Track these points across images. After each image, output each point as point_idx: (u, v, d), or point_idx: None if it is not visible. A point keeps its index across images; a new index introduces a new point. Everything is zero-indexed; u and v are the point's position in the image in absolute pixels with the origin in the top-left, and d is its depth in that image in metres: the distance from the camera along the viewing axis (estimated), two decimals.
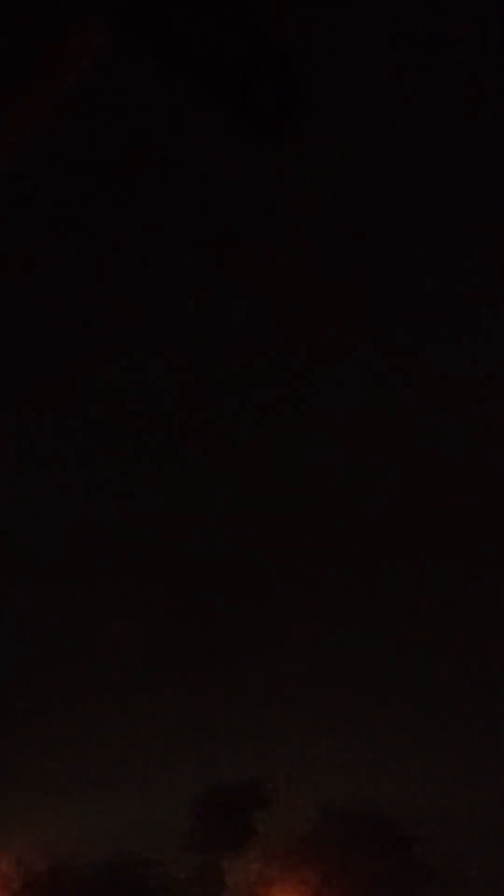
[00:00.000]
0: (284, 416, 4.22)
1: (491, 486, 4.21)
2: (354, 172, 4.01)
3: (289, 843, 4.35)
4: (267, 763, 4.37)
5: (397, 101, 3.93)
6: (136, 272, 4.16)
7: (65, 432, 4.27)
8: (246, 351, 4.18)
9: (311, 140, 3.95)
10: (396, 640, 4.28)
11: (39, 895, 4.41)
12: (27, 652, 4.41)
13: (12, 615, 4.36)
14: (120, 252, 4.15)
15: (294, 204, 4.06)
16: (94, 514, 4.30)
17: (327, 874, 4.26)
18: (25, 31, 3.57)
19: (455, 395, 4.17)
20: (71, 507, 4.30)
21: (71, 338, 4.23)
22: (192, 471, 4.26)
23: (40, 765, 4.47)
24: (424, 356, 4.14)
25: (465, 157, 3.99)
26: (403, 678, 4.28)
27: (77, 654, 4.40)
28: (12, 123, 3.69)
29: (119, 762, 4.49)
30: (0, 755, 4.44)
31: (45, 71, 3.63)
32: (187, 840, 4.44)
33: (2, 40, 3.61)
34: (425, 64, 3.88)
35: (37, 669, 4.43)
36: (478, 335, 4.13)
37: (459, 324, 4.12)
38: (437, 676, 4.27)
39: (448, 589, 4.25)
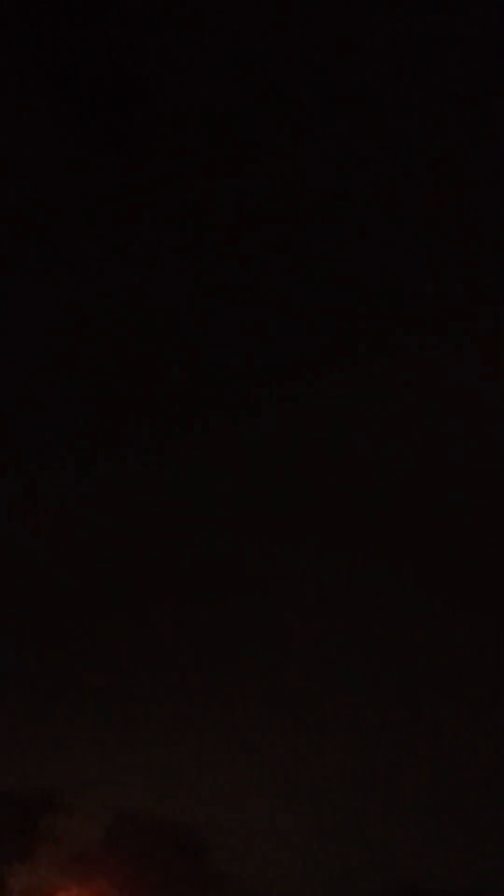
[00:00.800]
0: (284, 416, 4.21)
1: (492, 486, 4.20)
2: (354, 171, 4.01)
3: (78, 850, 4.23)
4: (60, 769, 4.25)
5: (397, 100, 3.93)
6: (135, 271, 4.16)
7: (64, 432, 4.26)
8: (246, 351, 4.18)
9: (312, 138, 3.96)
10: (189, 650, 4.20)
11: None
12: None
13: None
14: (119, 251, 4.16)
15: (293, 204, 4.06)
16: (94, 513, 4.29)
17: (115, 881, 4.15)
18: None
19: (455, 395, 4.17)
20: (70, 506, 4.29)
21: (70, 337, 4.23)
22: (191, 470, 4.25)
23: None
24: (424, 356, 4.13)
25: (466, 156, 3.99)
26: (198, 687, 4.20)
27: None
28: None
29: None
30: None
31: None
32: None
33: None
34: (423, 63, 3.89)
35: None
36: (477, 335, 4.13)
37: (460, 323, 4.12)
38: (228, 688, 4.20)
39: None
